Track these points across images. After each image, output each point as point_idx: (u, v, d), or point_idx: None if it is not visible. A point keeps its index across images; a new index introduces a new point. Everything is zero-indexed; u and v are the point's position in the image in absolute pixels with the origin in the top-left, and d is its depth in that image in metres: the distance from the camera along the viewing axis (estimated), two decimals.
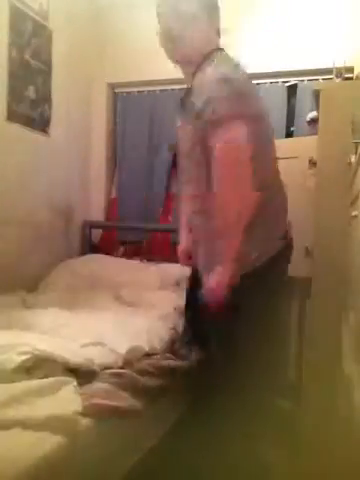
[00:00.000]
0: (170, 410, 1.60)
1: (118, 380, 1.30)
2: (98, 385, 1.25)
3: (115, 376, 1.32)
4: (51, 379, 1.22)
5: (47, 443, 0.99)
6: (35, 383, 1.18)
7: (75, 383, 1.22)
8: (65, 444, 1.02)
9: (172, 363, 1.57)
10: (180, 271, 2.63)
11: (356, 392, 0.74)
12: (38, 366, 1.25)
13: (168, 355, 1.62)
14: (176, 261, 2.68)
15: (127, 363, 1.44)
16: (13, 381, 1.17)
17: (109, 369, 1.37)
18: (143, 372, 1.41)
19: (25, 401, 1.10)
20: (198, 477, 1.43)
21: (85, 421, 1.11)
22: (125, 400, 1.24)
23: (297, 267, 2.23)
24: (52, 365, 1.26)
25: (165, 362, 1.54)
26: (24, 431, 1.01)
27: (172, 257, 2.76)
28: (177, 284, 2.63)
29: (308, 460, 1.61)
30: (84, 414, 1.12)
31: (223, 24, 2.76)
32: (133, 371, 1.39)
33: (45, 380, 1.21)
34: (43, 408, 1.08)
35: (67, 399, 1.14)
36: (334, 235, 1.59)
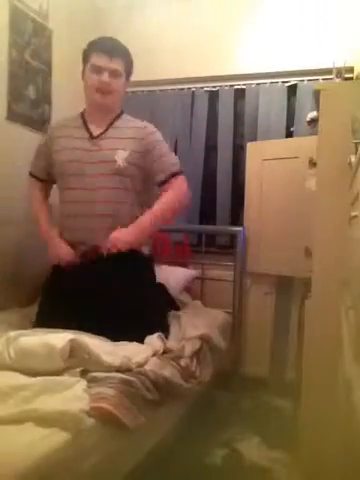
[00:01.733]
0: (170, 414, 1.60)
1: (126, 387, 1.30)
2: (107, 389, 1.25)
3: (125, 383, 1.32)
4: (62, 377, 1.25)
5: (49, 441, 1.00)
6: (46, 379, 1.21)
7: (85, 383, 1.24)
8: (68, 442, 1.03)
9: (185, 385, 1.58)
10: (185, 275, 2.64)
11: (356, 392, 0.73)
12: (74, 355, 1.33)
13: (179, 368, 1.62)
14: (177, 262, 2.70)
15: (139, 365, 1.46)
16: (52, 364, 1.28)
17: (119, 372, 1.38)
18: (151, 380, 1.41)
19: (35, 396, 1.13)
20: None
21: (89, 421, 1.13)
22: (129, 412, 1.24)
23: (297, 267, 2.25)
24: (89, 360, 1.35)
25: (177, 381, 1.54)
26: (26, 428, 1.02)
27: (172, 257, 2.78)
28: (186, 290, 2.64)
29: (308, 460, 1.62)
30: (90, 414, 1.13)
31: (224, 25, 2.78)
32: (142, 375, 1.39)
33: (57, 377, 1.24)
34: (51, 403, 1.10)
35: (75, 397, 1.16)
36: (334, 235, 1.59)
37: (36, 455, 0.94)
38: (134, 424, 1.24)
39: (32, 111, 2.42)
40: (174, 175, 1.86)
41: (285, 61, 2.62)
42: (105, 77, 1.79)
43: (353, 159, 1.30)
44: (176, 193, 1.85)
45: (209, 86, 2.85)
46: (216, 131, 2.85)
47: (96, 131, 1.86)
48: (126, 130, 1.87)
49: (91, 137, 1.85)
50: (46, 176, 2.00)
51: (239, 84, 2.79)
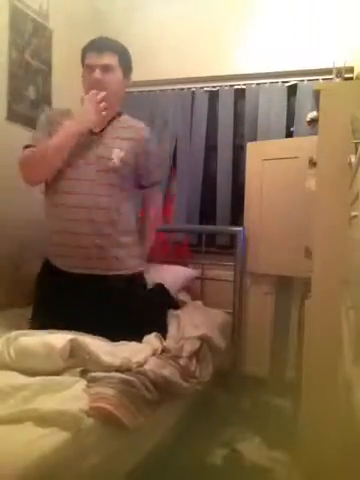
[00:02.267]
0: (169, 414, 1.60)
1: (125, 387, 1.30)
2: (106, 389, 1.26)
3: (125, 383, 1.32)
4: (62, 377, 1.26)
5: (49, 441, 1.00)
6: (46, 379, 1.22)
7: (85, 383, 1.24)
8: (67, 442, 1.03)
9: (184, 385, 1.57)
10: (184, 274, 2.63)
11: (356, 392, 0.73)
12: (74, 355, 1.35)
13: (180, 368, 1.61)
14: (176, 262, 2.70)
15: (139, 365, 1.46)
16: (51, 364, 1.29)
17: (119, 372, 1.37)
18: (150, 380, 1.41)
19: (35, 396, 1.14)
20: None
21: (89, 421, 1.13)
22: (128, 412, 1.24)
23: (297, 267, 2.24)
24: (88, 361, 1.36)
25: (176, 380, 1.53)
26: (26, 428, 1.02)
27: (172, 257, 2.78)
28: (186, 290, 2.64)
29: (308, 460, 1.62)
30: (89, 414, 1.14)
31: (224, 25, 2.78)
32: (142, 375, 1.39)
33: (57, 377, 1.25)
34: (50, 403, 1.10)
35: (75, 397, 1.16)
36: (334, 235, 1.58)
37: (36, 455, 0.94)
38: (133, 424, 1.24)
39: (32, 111, 2.42)
40: (155, 184, 2.02)
41: (285, 61, 2.62)
42: (97, 73, 1.76)
43: (353, 159, 1.30)
44: (158, 209, 2.10)
45: (209, 86, 2.85)
46: (216, 131, 2.85)
47: (95, 128, 1.84)
48: (124, 130, 1.87)
49: (90, 133, 1.82)
50: None
51: (239, 84, 2.79)
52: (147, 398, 1.35)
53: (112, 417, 1.19)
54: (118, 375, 1.34)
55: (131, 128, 1.89)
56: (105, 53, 1.77)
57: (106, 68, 1.78)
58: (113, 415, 1.18)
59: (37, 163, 1.78)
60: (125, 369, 1.40)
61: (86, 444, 1.10)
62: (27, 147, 1.83)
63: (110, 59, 1.78)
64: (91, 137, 1.82)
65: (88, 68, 1.79)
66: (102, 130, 1.85)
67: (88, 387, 1.25)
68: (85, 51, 1.81)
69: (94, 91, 1.76)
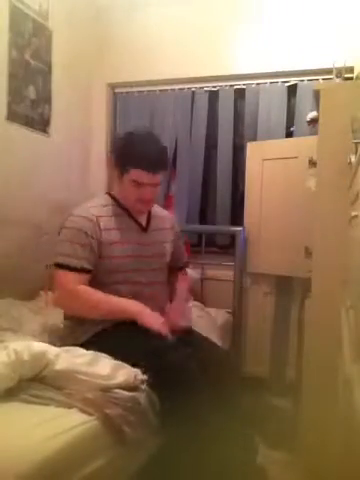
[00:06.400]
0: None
1: (131, 404, 1.29)
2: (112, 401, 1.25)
3: (131, 400, 1.31)
4: None
5: (51, 444, 1.00)
6: None
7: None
8: (70, 445, 1.03)
9: None
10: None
11: (356, 392, 0.73)
12: None
13: None
14: None
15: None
16: None
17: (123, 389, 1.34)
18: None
19: None
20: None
21: (94, 423, 1.13)
22: (129, 425, 1.25)
23: (297, 267, 2.25)
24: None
25: None
26: (26, 431, 1.02)
27: None
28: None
29: (308, 460, 1.62)
30: (97, 418, 1.15)
31: (224, 25, 2.78)
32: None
33: None
34: None
35: None
36: (334, 235, 1.59)
37: (40, 457, 0.94)
38: (131, 438, 1.24)
39: (32, 111, 2.42)
40: (187, 263, 2.02)
41: (285, 61, 2.62)
42: (148, 193, 1.65)
43: (353, 159, 1.30)
44: (188, 283, 2.01)
45: (209, 86, 2.85)
46: (216, 131, 2.85)
47: (143, 221, 1.76)
48: (162, 219, 1.84)
49: (142, 229, 1.74)
50: (94, 267, 1.63)
51: (239, 84, 2.79)
52: (150, 418, 1.34)
53: (117, 429, 1.19)
54: (126, 393, 1.31)
55: (166, 217, 1.88)
56: (158, 172, 1.64)
57: (156, 184, 1.67)
58: (119, 428, 1.19)
59: (82, 310, 1.62)
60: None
61: (90, 446, 1.10)
62: (73, 269, 1.59)
63: (161, 176, 1.67)
64: (143, 234, 1.74)
65: (137, 184, 1.64)
66: (148, 222, 1.77)
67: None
68: (131, 164, 1.62)
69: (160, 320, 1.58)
